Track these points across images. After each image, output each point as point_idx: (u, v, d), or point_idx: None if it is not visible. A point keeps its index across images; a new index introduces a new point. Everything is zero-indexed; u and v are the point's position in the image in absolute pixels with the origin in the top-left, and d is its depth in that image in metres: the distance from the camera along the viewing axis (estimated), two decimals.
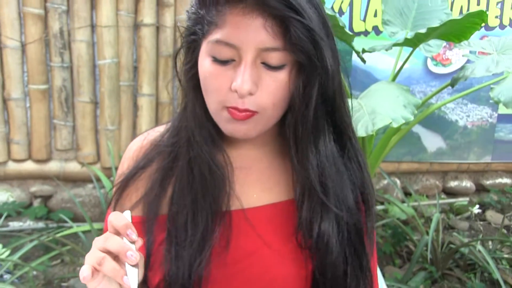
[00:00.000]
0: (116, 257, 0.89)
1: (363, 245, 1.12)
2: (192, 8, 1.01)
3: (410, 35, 2.69)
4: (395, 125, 2.37)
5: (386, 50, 2.83)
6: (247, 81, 0.93)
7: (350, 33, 2.63)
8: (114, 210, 1.13)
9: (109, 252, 0.89)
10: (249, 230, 1.10)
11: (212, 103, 1.00)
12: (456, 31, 2.77)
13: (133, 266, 0.90)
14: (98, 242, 0.91)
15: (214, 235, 1.06)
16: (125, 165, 1.18)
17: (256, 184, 1.14)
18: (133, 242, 0.91)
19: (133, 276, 0.90)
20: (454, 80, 2.88)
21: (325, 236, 1.06)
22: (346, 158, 1.12)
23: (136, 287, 0.91)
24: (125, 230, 0.89)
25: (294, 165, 1.08)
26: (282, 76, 0.96)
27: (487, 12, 2.58)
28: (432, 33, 2.64)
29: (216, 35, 0.94)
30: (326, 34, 0.96)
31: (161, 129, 1.18)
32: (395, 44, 2.79)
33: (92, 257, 0.89)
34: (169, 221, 1.06)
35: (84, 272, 0.86)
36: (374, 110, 2.40)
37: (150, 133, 1.19)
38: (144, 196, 1.10)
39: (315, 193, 1.06)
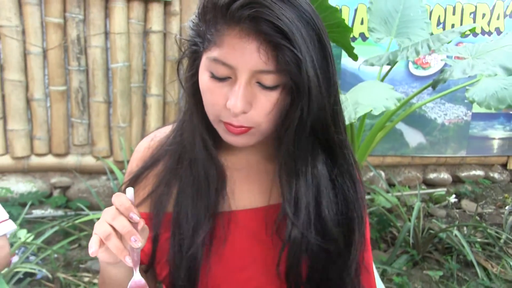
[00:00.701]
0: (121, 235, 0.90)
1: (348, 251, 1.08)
2: (194, 21, 0.98)
3: (394, 41, 2.74)
4: (375, 113, 2.39)
5: (382, 65, 2.88)
6: (241, 102, 0.90)
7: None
8: None
9: (115, 230, 0.89)
10: (243, 230, 1.09)
11: (210, 115, 0.98)
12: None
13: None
14: (107, 215, 0.90)
15: (210, 234, 1.05)
16: (133, 164, 1.17)
17: (251, 187, 1.12)
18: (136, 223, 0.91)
19: (135, 257, 0.91)
20: (435, 82, 2.92)
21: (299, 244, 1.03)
22: (338, 174, 1.07)
23: (137, 267, 0.92)
24: (128, 212, 0.89)
25: (279, 178, 1.05)
26: (276, 95, 0.93)
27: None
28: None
29: (214, 53, 0.91)
30: (320, 59, 0.92)
31: (167, 130, 1.16)
32: (390, 61, 2.84)
33: (100, 229, 0.89)
34: (173, 219, 1.06)
35: (93, 247, 0.87)
36: (357, 101, 2.43)
37: (157, 134, 1.18)
38: (151, 194, 1.09)
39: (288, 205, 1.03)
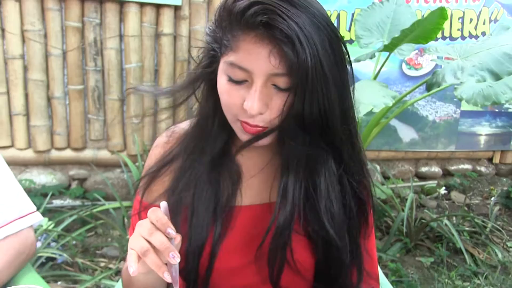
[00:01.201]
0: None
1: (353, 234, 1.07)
2: (211, 27, 0.97)
3: (387, 41, 2.77)
4: (376, 110, 2.43)
5: (371, 58, 2.90)
6: (257, 104, 0.90)
7: None
8: (142, 197, 1.12)
9: (152, 245, 0.86)
10: (266, 224, 1.05)
11: (227, 114, 0.97)
12: (423, 33, 2.82)
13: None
14: (142, 230, 0.88)
15: (223, 228, 1.05)
16: (152, 158, 1.15)
17: (260, 183, 1.11)
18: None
19: (173, 272, 0.89)
20: (430, 86, 2.93)
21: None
22: (346, 171, 1.05)
23: (176, 283, 0.89)
24: (164, 228, 0.87)
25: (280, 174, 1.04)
26: (290, 97, 0.91)
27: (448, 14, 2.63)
28: (405, 35, 2.70)
29: (231, 57, 0.90)
30: (330, 62, 0.89)
31: (184, 125, 1.14)
32: (377, 50, 2.86)
33: (137, 245, 0.87)
34: (189, 212, 1.04)
35: (133, 266, 0.85)
36: (358, 100, 2.47)
37: (175, 130, 1.15)
38: (169, 188, 1.08)
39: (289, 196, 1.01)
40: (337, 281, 1.09)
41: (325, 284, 1.11)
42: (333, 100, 0.92)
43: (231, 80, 0.92)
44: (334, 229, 1.03)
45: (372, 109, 2.40)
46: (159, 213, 0.88)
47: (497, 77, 2.63)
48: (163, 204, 0.92)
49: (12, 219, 1.42)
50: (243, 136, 0.98)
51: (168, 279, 0.85)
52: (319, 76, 0.87)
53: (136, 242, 0.87)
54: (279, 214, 1.01)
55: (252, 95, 0.90)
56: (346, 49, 0.95)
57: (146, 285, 1.01)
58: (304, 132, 0.94)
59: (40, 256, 2.74)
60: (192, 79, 1.04)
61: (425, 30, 2.79)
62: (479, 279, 3.08)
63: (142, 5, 3.36)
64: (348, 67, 0.98)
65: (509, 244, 3.53)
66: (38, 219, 1.50)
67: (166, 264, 0.86)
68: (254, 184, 1.10)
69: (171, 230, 0.87)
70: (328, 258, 1.07)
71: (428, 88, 2.86)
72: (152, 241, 0.85)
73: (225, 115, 0.98)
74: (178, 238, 0.89)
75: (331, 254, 1.05)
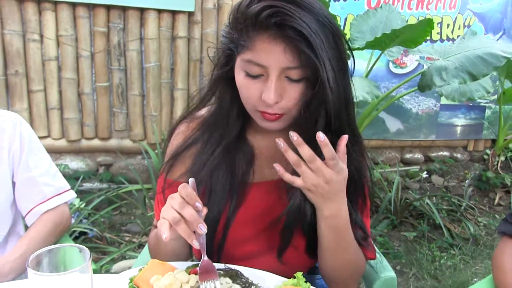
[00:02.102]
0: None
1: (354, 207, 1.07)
2: (226, 30, 0.98)
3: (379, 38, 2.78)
4: (361, 99, 2.48)
5: (362, 49, 2.92)
6: (274, 94, 0.91)
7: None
8: (166, 177, 1.12)
9: (183, 217, 0.88)
10: (277, 197, 1.07)
11: (247, 105, 0.99)
12: (412, 37, 2.84)
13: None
14: (174, 203, 0.89)
15: (237, 203, 1.06)
16: (174, 143, 1.15)
17: (282, 159, 1.06)
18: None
19: (201, 240, 0.90)
20: (422, 88, 2.91)
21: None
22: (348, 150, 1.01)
23: (204, 250, 0.90)
24: (193, 202, 0.89)
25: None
26: (302, 86, 0.94)
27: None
28: (396, 35, 2.71)
29: (247, 55, 0.92)
30: (335, 55, 0.91)
31: (203, 112, 1.14)
32: (367, 44, 2.87)
33: (169, 215, 0.88)
34: (207, 190, 1.05)
35: (165, 232, 0.86)
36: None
37: (195, 117, 1.15)
38: (190, 168, 1.08)
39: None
40: None
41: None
42: (338, 87, 0.93)
43: (248, 75, 0.94)
44: None
45: (359, 102, 2.42)
46: (189, 188, 0.90)
47: (474, 78, 2.68)
48: (191, 180, 0.95)
49: (51, 196, 1.45)
50: (263, 124, 0.99)
51: (196, 246, 0.87)
52: (327, 67, 0.89)
53: (168, 212, 0.88)
54: (294, 189, 1.01)
55: (269, 87, 0.92)
56: (347, 42, 0.98)
57: (172, 250, 1.04)
58: (313, 116, 0.96)
59: (74, 231, 2.78)
60: (213, 81, 1.05)
61: (413, 36, 2.82)
62: (454, 250, 3.12)
63: (160, 11, 3.37)
64: (350, 59, 1.00)
65: (480, 220, 3.57)
66: (72, 196, 1.52)
67: (194, 233, 0.88)
68: (266, 162, 1.11)
69: (199, 204, 0.89)
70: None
71: (421, 89, 2.88)
72: (183, 213, 0.87)
73: (246, 106, 1.00)
74: (204, 211, 0.91)
75: None
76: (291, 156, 0.91)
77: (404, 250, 3.10)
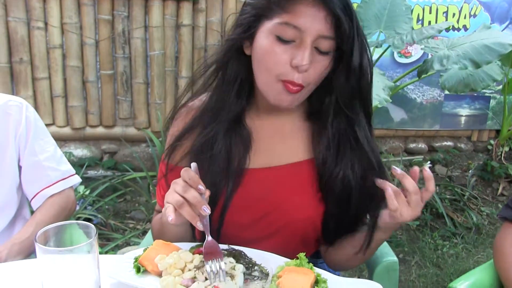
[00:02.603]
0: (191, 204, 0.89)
1: (370, 192, 1.07)
2: None
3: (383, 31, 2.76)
4: (379, 106, 2.45)
5: (376, 47, 2.91)
6: (307, 58, 0.91)
7: None
8: (168, 161, 1.12)
9: (187, 200, 0.89)
10: (273, 185, 1.08)
11: (268, 76, 0.97)
12: None
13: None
14: (177, 187, 0.90)
15: (234, 188, 1.06)
16: (175, 129, 1.15)
17: (280, 146, 1.11)
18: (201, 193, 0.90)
19: (205, 222, 0.91)
20: (420, 73, 2.92)
21: (344, 182, 1.04)
22: (364, 129, 1.06)
23: (208, 231, 0.91)
24: (196, 185, 0.90)
25: (316, 129, 1.07)
26: (326, 60, 0.95)
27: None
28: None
29: (285, 18, 0.91)
30: (362, 32, 0.95)
31: (203, 98, 1.13)
32: (381, 43, 2.86)
33: (173, 199, 0.89)
34: (205, 172, 1.04)
35: (171, 215, 0.88)
36: None
37: (195, 102, 1.14)
38: (189, 152, 1.08)
39: (331, 150, 1.04)
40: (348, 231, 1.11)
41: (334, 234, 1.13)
42: (365, 65, 0.96)
43: (279, 39, 0.93)
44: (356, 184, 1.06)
45: (377, 105, 2.41)
46: (191, 172, 0.91)
47: (477, 65, 2.65)
48: (193, 164, 0.96)
49: (56, 180, 1.47)
50: (282, 98, 0.98)
51: (200, 227, 0.89)
52: (362, 42, 0.93)
53: (172, 197, 0.90)
54: (323, 177, 1.04)
55: (303, 51, 0.92)
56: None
57: (176, 235, 1.05)
58: (343, 95, 0.98)
59: (79, 217, 2.79)
60: (228, 49, 1.03)
61: None
62: (456, 238, 3.13)
63: None
64: None
65: (483, 209, 3.57)
66: (77, 180, 1.55)
67: (198, 215, 0.89)
68: (264, 149, 1.11)
69: (202, 186, 0.90)
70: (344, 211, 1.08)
71: (419, 74, 2.87)
72: (187, 196, 0.88)
73: (262, 79, 0.99)
74: (207, 193, 0.92)
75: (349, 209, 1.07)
76: (410, 183, 0.92)
77: (407, 238, 3.12)
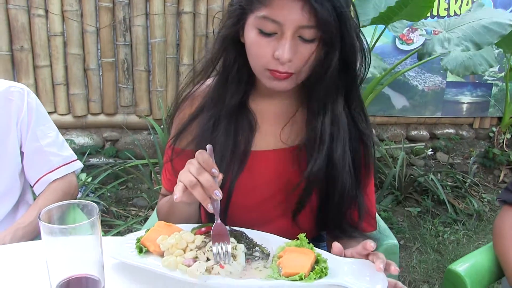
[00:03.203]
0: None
1: (358, 177, 1.10)
2: None
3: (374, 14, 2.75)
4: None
5: (365, 26, 2.89)
6: (288, 52, 0.92)
7: None
8: (174, 145, 1.13)
9: (199, 182, 0.90)
10: (278, 167, 1.10)
11: (256, 65, 0.99)
12: (415, 10, 2.79)
13: None
14: (191, 168, 0.91)
15: (239, 170, 1.07)
16: (182, 112, 1.16)
17: (284, 129, 1.12)
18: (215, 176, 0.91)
19: (215, 205, 0.91)
20: (421, 55, 2.92)
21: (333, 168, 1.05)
22: (353, 111, 1.09)
23: (218, 214, 0.91)
24: (210, 168, 0.91)
25: (309, 115, 1.07)
26: (313, 47, 0.94)
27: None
28: (399, 8, 2.68)
29: (263, 12, 0.91)
30: (349, 17, 0.94)
31: (208, 82, 1.14)
32: (372, 20, 2.84)
33: (186, 179, 0.90)
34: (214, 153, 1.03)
35: (177, 194, 0.89)
36: None
37: (202, 86, 1.15)
38: (196, 136, 1.09)
39: (323, 138, 1.04)
40: (341, 220, 1.13)
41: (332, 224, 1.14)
42: (348, 51, 0.96)
43: (261, 32, 0.94)
44: (343, 168, 1.06)
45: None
46: (205, 155, 0.92)
47: (478, 46, 2.65)
48: (209, 146, 0.96)
49: (58, 165, 1.48)
50: (271, 83, 1.00)
51: (211, 210, 0.90)
52: (343, 28, 0.92)
53: (185, 176, 0.91)
54: (314, 161, 1.05)
55: (283, 44, 0.92)
56: (354, 7, 0.99)
57: (186, 213, 1.06)
58: (330, 77, 0.98)
59: None
60: (219, 41, 1.04)
61: (417, 8, 2.78)
62: (457, 225, 3.14)
63: None
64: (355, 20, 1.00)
65: (484, 196, 3.59)
66: (79, 166, 1.56)
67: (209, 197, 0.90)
68: (268, 131, 1.12)
69: (215, 170, 0.91)
70: (333, 197, 1.09)
71: (419, 58, 2.86)
72: (200, 179, 0.90)
73: (253, 67, 1.01)
74: (220, 177, 0.93)
75: (337, 192, 1.08)
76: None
77: (408, 225, 3.13)
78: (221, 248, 0.87)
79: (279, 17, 0.90)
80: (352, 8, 0.97)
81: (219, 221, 0.92)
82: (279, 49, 0.93)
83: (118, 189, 3.22)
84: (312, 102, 1.06)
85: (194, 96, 1.15)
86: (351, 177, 1.08)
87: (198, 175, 0.90)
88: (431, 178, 3.47)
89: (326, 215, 1.13)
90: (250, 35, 0.96)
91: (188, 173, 0.91)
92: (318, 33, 0.92)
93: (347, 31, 0.93)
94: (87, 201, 0.77)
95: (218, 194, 0.89)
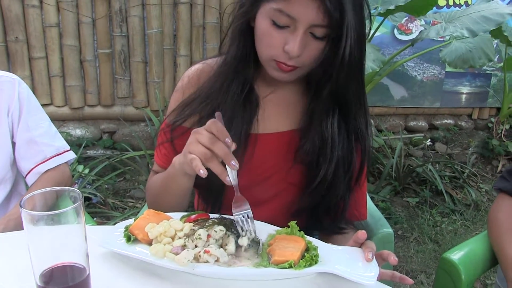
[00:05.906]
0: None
1: (350, 168, 1.11)
2: None
3: (381, 9, 2.74)
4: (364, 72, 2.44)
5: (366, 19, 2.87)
6: (299, 47, 0.93)
7: None
8: (175, 123, 1.10)
9: (214, 153, 0.87)
10: (275, 150, 1.12)
11: (263, 54, 1.00)
12: (417, 7, 2.80)
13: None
14: (202, 138, 0.88)
15: (242, 151, 1.07)
16: (186, 91, 1.14)
17: (285, 114, 1.13)
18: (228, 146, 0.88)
19: (234, 176, 0.90)
20: (414, 41, 2.92)
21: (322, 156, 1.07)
22: (356, 112, 1.11)
23: (237, 186, 0.91)
24: (224, 137, 0.88)
25: (309, 103, 1.09)
26: (322, 45, 0.96)
27: None
28: (399, 9, 2.68)
29: (279, 5, 0.92)
30: (359, 20, 0.94)
31: (212, 61, 1.14)
32: (374, 15, 2.83)
33: (199, 152, 0.87)
34: None
35: (202, 168, 0.86)
36: None
37: (204, 67, 1.15)
38: (199, 116, 1.08)
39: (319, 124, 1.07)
40: (329, 212, 1.14)
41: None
42: (358, 51, 0.97)
43: (275, 24, 0.94)
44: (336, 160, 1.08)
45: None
46: (219, 124, 0.90)
47: (473, 34, 2.64)
48: (218, 113, 0.95)
49: (51, 156, 1.46)
50: (275, 73, 1.01)
51: (229, 182, 0.88)
52: (353, 31, 0.92)
53: (197, 148, 0.88)
54: (307, 145, 1.07)
55: (294, 39, 0.93)
56: (368, 7, 1.00)
57: (180, 187, 1.04)
58: (337, 74, 0.99)
59: None
60: (237, 29, 1.04)
61: (419, 5, 2.77)
62: (455, 215, 3.14)
63: None
64: (367, 22, 1.02)
65: (482, 186, 3.58)
66: (72, 156, 1.54)
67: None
68: (271, 114, 1.13)
69: (229, 139, 0.89)
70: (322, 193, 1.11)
71: (412, 44, 2.86)
72: (215, 149, 0.87)
73: (260, 54, 1.01)
74: (233, 146, 0.90)
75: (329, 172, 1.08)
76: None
77: (406, 215, 3.12)
78: (243, 217, 0.88)
79: (294, 13, 0.91)
80: (365, 6, 0.98)
81: (239, 194, 0.92)
82: (290, 43, 0.94)
83: (115, 181, 3.21)
84: (311, 86, 1.09)
85: (200, 75, 1.15)
86: (344, 165, 1.10)
87: (212, 145, 0.87)
88: (430, 169, 3.45)
89: (318, 217, 1.15)
90: (262, 24, 0.97)
91: (199, 144, 0.88)
92: (328, 31, 0.94)
93: (356, 35, 0.94)
94: (71, 188, 0.75)
95: (235, 164, 0.87)
